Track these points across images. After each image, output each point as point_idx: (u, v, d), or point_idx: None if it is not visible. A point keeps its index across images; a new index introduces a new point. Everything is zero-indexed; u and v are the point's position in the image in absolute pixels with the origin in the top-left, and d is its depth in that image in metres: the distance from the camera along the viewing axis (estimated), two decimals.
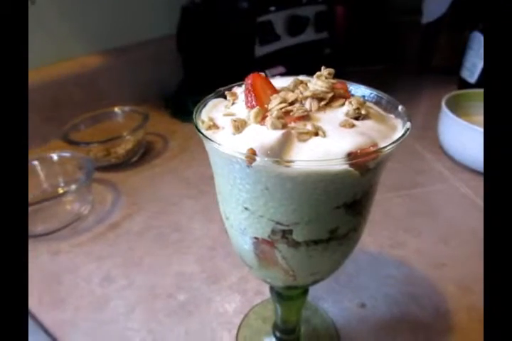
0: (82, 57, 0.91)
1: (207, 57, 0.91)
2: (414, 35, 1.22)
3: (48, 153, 0.69)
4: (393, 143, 0.24)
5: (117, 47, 0.96)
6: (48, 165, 0.68)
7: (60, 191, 0.67)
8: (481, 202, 0.66)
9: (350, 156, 0.23)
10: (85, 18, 0.89)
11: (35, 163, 0.67)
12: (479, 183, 0.71)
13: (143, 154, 0.82)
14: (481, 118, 0.81)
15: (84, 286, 0.53)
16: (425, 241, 0.59)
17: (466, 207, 0.66)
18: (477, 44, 0.94)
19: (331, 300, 0.51)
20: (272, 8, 0.83)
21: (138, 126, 0.78)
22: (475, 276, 0.53)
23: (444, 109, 0.75)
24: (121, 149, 0.77)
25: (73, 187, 0.60)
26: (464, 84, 0.99)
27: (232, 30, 0.85)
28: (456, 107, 0.77)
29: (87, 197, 0.67)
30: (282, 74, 0.32)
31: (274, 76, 0.32)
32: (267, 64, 0.86)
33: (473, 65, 0.96)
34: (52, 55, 0.86)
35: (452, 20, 1.09)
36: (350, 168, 0.24)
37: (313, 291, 0.52)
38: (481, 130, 0.67)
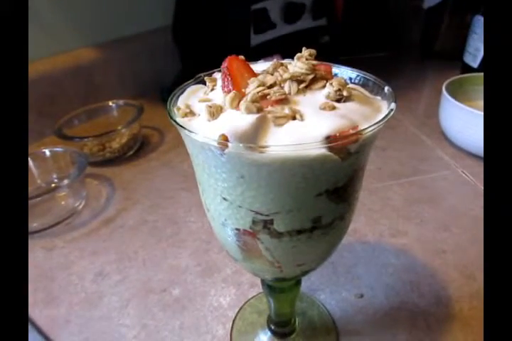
0: (77, 50, 0.89)
1: (203, 47, 0.90)
2: (416, 20, 1.20)
3: (40, 149, 0.68)
4: (374, 124, 0.22)
5: (113, 40, 0.95)
6: (40, 160, 0.68)
7: (54, 186, 0.66)
8: (482, 188, 0.65)
9: (329, 140, 0.22)
10: (80, 11, 0.88)
11: (28, 159, 0.67)
12: (481, 169, 0.69)
13: (139, 148, 0.81)
14: (482, 102, 0.79)
15: (78, 282, 0.53)
16: (426, 228, 0.58)
17: (468, 193, 0.64)
18: (480, 28, 0.91)
19: (328, 291, 0.50)
20: None
21: (132, 119, 0.77)
22: (477, 263, 0.52)
23: (445, 93, 0.73)
24: (116, 143, 0.76)
25: (66, 181, 0.59)
26: (467, 69, 0.97)
27: (226, 18, 0.83)
28: (458, 92, 0.75)
29: (81, 193, 0.66)
30: None
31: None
32: (263, 53, 0.85)
33: (476, 49, 0.94)
34: (47, 48, 0.85)
35: (454, 5, 1.06)
36: (329, 153, 0.22)
37: (310, 283, 0.51)
38: (482, 114, 0.65)
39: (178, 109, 0.27)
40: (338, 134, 0.22)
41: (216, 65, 0.30)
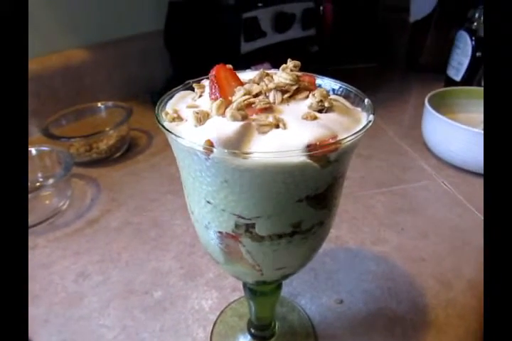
0: (68, 51, 0.90)
1: (193, 53, 0.91)
2: (402, 33, 1.23)
3: None
4: (352, 135, 0.23)
5: (104, 42, 0.95)
6: None
7: (38, 185, 0.66)
8: (462, 199, 0.67)
9: (309, 148, 0.23)
10: (72, 12, 0.88)
11: None
12: (461, 180, 0.71)
13: (126, 150, 0.82)
14: (465, 115, 0.82)
15: (59, 282, 0.52)
16: (406, 237, 0.59)
17: (447, 203, 0.66)
18: (463, 42, 0.94)
19: (309, 297, 0.51)
20: (259, 5, 0.83)
21: (121, 121, 0.77)
22: (453, 271, 0.53)
23: (427, 106, 0.75)
24: (104, 144, 0.76)
25: (51, 181, 0.59)
26: (450, 82, 1.00)
27: (218, 26, 0.84)
28: (440, 105, 0.77)
29: (65, 192, 0.66)
30: None
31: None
32: (253, 60, 0.86)
33: (459, 63, 0.97)
34: (38, 49, 0.85)
35: (439, 19, 1.09)
36: (309, 160, 0.23)
37: (291, 288, 0.52)
38: (463, 127, 0.67)
39: (166, 113, 0.28)
40: (318, 143, 0.23)
41: (206, 71, 0.30)
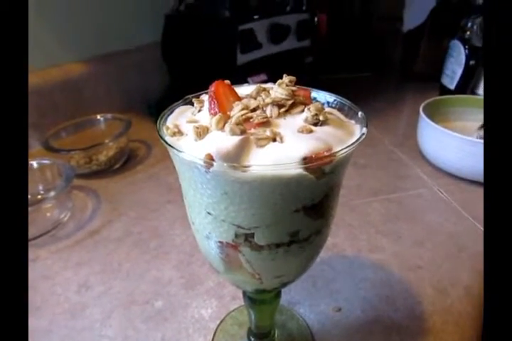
0: (66, 65, 0.91)
1: (190, 64, 0.92)
2: (396, 43, 1.25)
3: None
4: (346, 147, 0.25)
5: (102, 55, 0.97)
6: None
7: (40, 198, 0.67)
8: (457, 206, 0.68)
9: (305, 161, 0.24)
10: (70, 26, 0.90)
11: None
12: (456, 188, 0.72)
13: (126, 161, 0.83)
14: (460, 123, 0.83)
15: (61, 293, 0.53)
16: (403, 244, 0.60)
17: (443, 211, 0.67)
18: (456, 51, 0.96)
19: (307, 305, 0.51)
20: (255, 17, 0.84)
21: (120, 133, 0.78)
22: (450, 279, 0.54)
23: (422, 115, 0.76)
24: (103, 156, 0.77)
25: (52, 193, 0.60)
26: (445, 91, 1.01)
27: (214, 38, 0.86)
28: (435, 113, 0.79)
29: (66, 204, 0.67)
30: (264, 82, 0.33)
31: (255, 83, 0.33)
32: (249, 72, 0.87)
33: (453, 71, 0.98)
34: (38, 62, 0.86)
35: (432, 29, 1.11)
36: (305, 172, 0.24)
37: (290, 296, 0.52)
38: (458, 135, 0.68)
39: (167, 128, 0.29)
40: (313, 156, 0.24)
41: (203, 82, 0.32)
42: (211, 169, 0.24)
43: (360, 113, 0.30)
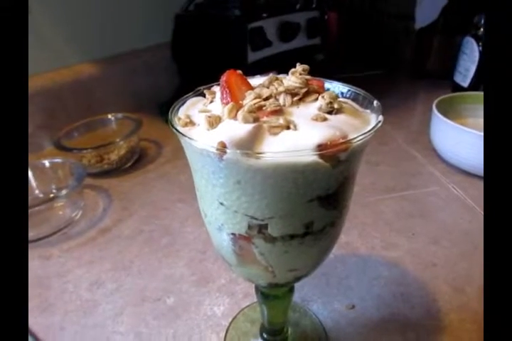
0: (76, 66, 0.92)
1: (201, 63, 0.92)
2: (408, 40, 1.24)
3: (40, 160, 0.69)
4: (362, 134, 0.24)
5: (112, 56, 0.97)
6: (40, 171, 0.69)
7: (52, 197, 0.67)
8: (472, 203, 0.66)
9: (320, 148, 0.23)
10: (80, 27, 0.90)
11: (28, 169, 0.68)
12: (470, 185, 0.71)
13: (136, 160, 0.83)
14: (473, 120, 0.82)
15: (74, 290, 0.53)
16: (417, 242, 0.59)
17: (457, 208, 0.66)
18: (469, 48, 0.95)
19: (320, 302, 0.51)
20: (264, 15, 0.84)
21: (131, 132, 0.78)
22: (466, 276, 0.53)
23: (435, 111, 0.75)
24: (114, 155, 0.77)
25: (64, 192, 0.60)
26: (458, 88, 1.00)
27: (224, 36, 0.86)
28: (448, 110, 0.78)
29: (78, 203, 0.67)
30: None
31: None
32: (259, 69, 0.87)
33: (466, 69, 0.97)
34: (47, 63, 0.87)
35: (444, 26, 1.10)
36: (320, 160, 0.24)
37: (303, 293, 0.52)
38: (472, 131, 0.67)
39: (179, 119, 0.28)
40: (328, 143, 0.23)
41: (213, 82, 0.31)
42: (224, 157, 0.24)
43: (375, 101, 0.29)
